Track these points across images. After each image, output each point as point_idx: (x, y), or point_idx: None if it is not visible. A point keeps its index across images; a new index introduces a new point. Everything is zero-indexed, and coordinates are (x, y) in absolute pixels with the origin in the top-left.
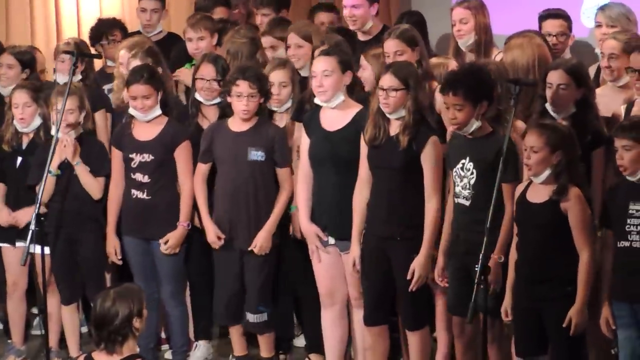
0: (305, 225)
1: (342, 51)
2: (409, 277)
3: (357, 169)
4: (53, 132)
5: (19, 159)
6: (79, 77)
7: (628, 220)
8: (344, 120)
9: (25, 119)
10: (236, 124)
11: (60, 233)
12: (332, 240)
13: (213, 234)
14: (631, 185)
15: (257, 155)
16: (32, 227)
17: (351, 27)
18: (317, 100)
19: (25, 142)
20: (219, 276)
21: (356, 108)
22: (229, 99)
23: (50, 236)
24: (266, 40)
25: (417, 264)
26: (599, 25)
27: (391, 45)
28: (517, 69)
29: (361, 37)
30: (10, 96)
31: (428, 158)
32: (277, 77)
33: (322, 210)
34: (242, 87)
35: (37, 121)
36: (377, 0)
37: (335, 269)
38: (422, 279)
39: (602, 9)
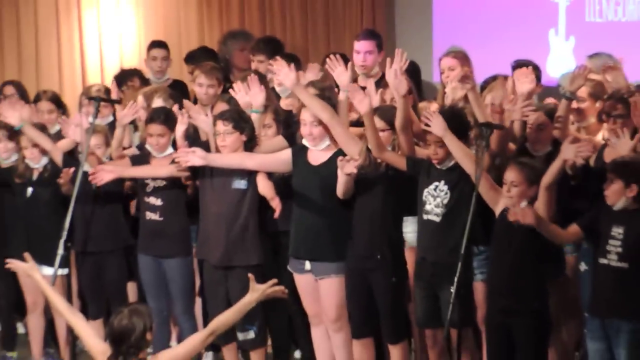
0: None
1: (329, 99)
2: None
3: (336, 192)
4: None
5: (30, 190)
6: (111, 118)
7: (609, 241)
8: (327, 155)
9: (35, 157)
10: None
11: (87, 256)
12: (308, 266)
13: None
14: (613, 212)
15: (240, 184)
16: (60, 251)
17: (360, 71)
18: (306, 143)
19: (35, 174)
20: (208, 297)
21: (336, 147)
22: None
23: (78, 258)
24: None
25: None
26: None
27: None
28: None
29: (363, 82)
30: (19, 138)
31: None
32: (262, 119)
33: (301, 236)
34: (219, 126)
35: (45, 159)
36: (382, 50)
37: (316, 293)
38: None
39: (590, 57)
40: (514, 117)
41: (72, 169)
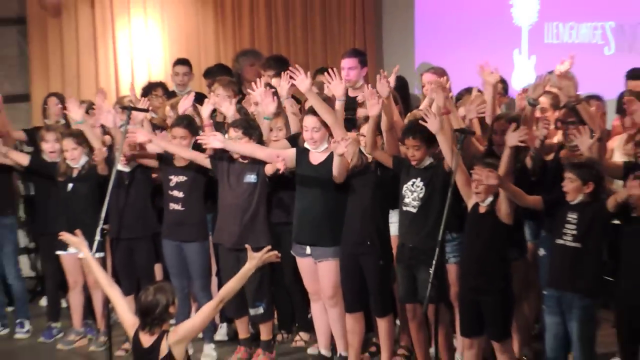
0: None
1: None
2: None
3: (332, 188)
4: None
5: (70, 185)
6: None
7: (566, 225)
8: (324, 155)
9: (75, 158)
10: (240, 156)
11: (120, 242)
12: (308, 250)
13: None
14: (570, 205)
15: (251, 178)
16: (97, 238)
17: (346, 84)
18: (307, 146)
19: (75, 173)
20: (223, 277)
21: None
22: None
23: (112, 244)
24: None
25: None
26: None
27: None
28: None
29: (351, 93)
30: (61, 142)
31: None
32: (274, 123)
33: (302, 224)
34: (231, 132)
35: (84, 159)
36: (366, 65)
37: (315, 274)
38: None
39: (549, 73)
40: (470, 116)
41: (105, 149)
